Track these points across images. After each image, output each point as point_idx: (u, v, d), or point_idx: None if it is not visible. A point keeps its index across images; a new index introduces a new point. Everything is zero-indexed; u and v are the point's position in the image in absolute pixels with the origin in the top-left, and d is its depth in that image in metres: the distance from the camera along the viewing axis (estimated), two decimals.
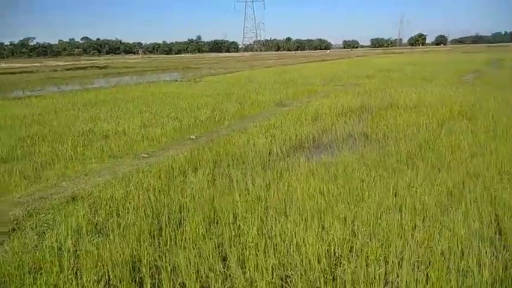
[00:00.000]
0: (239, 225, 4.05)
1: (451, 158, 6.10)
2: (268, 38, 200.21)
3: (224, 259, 3.55)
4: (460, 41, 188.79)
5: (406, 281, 3.03)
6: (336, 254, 3.51)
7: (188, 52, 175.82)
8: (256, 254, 3.44)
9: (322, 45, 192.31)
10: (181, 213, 4.46)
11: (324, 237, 3.70)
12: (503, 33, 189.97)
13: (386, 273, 3.21)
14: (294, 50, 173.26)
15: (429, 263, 3.28)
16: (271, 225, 4.01)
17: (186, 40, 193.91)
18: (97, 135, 9.03)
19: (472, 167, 5.54)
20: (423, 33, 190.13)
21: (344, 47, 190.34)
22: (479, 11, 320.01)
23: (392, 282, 3.15)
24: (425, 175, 5.33)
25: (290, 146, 7.57)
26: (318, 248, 3.51)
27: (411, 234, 3.72)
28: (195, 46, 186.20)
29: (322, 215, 4.22)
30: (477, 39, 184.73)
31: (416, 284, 2.98)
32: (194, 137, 8.63)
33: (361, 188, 4.95)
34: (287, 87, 17.84)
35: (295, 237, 3.73)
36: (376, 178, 5.32)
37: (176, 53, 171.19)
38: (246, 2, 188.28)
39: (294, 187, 5.03)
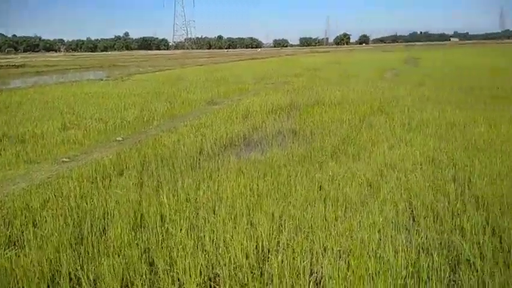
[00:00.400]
0: (167, 228, 3.96)
1: (371, 151, 6.48)
2: (200, 36, 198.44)
3: (151, 264, 3.46)
4: (381, 40, 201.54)
5: (329, 270, 3.17)
6: (264, 250, 3.58)
7: (115, 49, 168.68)
8: (185, 256, 3.39)
9: (253, 43, 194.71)
10: (105, 219, 4.26)
11: (252, 234, 3.75)
12: (418, 33, 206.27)
13: (311, 264, 3.33)
14: (226, 48, 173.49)
15: (350, 251, 3.45)
16: (201, 226, 3.98)
17: (113, 37, 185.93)
18: (11, 139, 8.31)
19: (389, 159, 5.95)
20: (348, 33, 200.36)
21: (275, 46, 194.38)
22: (398, 13, 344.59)
23: (316, 272, 3.27)
24: (347, 168, 5.62)
25: (221, 145, 7.56)
26: (247, 244, 3.54)
27: (334, 225, 3.89)
28: (123, 43, 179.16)
29: (251, 211, 4.28)
30: (396, 39, 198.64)
31: (338, 272, 3.12)
32: (120, 139, 8.29)
33: (288, 183, 5.08)
34: (219, 86, 17.81)
35: (224, 235, 3.73)
36: (303, 173, 5.50)
37: (102, 51, 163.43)
38: None
39: (224, 186, 5.03)
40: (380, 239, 3.62)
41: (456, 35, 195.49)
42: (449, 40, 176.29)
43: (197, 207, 4.49)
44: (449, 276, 3.14)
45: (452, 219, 4.03)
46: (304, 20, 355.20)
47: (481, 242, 3.54)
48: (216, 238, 3.72)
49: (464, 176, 5.11)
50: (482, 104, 10.50)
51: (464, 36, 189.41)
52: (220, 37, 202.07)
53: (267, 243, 3.63)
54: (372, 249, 3.46)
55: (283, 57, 62.20)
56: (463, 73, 20.37)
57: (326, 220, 4.02)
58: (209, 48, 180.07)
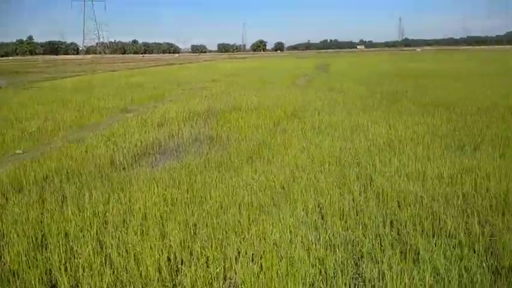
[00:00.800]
0: (72, 246, 3.70)
1: (284, 154, 6.71)
2: (113, 40, 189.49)
3: (53, 286, 3.21)
4: (295, 47, 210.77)
5: (242, 275, 3.20)
6: (177, 260, 3.50)
7: (17, 54, 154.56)
8: (91, 275, 3.20)
9: (171, 49, 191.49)
10: (0, 242, 3.86)
11: (165, 245, 3.65)
12: (329, 40, 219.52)
13: (224, 271, 3.33)
14: (142, 54, 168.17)
15: (263, 254, 3.52)
16: (109, 241, 3.78)
17: (14, 41, 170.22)
18: None
19: (301, 161, 6.20)
20: (264, 40, 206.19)
21: (193, 51, 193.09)
22: (309, 21, 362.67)
23: (230, 278, 3.29)
24: (261, 172, 5.74)
25: (135, 154, 7.28)
26: (158, 257, 3.44)
27: (248, 229, 3.95)
28: (26, 47, 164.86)
29: (164, 222, 4.17)
30: (309, 46, 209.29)
31: (251, 276, 3.17)
32: (20, 152, 7.58)
33: (204, 190, 5.05)
34: (133, 92, 17.19)
35: (134, 249, 3.58)
36: (218, 179, 5.52)
37: (2, 56, 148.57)
38: (84, 1, 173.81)
39: (136, 197, 4.84)
40: (291, 240, 3.75)
41: (362, 42, 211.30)
42: (356, 48, 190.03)
43: (106, 222, 4.27)
44: (354, 270, 3.35)
45: (357, 215, 4.32)
46: (222, 25, 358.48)
47: (381, 235, 3.84)
48: (126, 253, 3.56)
49: (366, 174, 5.51)
50: (383, 107, 11.44)
51: (369, 44, 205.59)
52: (135, 41, 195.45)
53: (180, 254, 3.56)
54: (284, 249, 3.57)
55: (201, 63, 62.04)
56: (367, 78, 22.03)
57: (240, 225, 4.06)
58: (123, 53, 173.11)
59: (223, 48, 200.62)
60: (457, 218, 4.12)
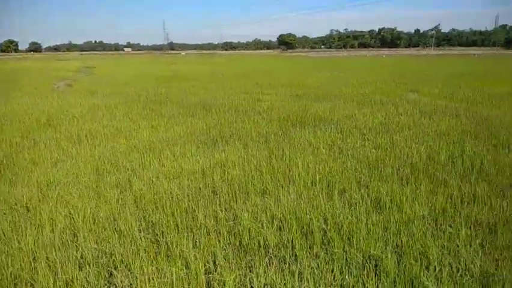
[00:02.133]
0: None
1: (32, 170, 5.92)
2: None
3: None
4: (56, 48, 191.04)
5: None
6: None
7: None
8: None
9: None
10: None
11: None
12: (93, 42, 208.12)
13: None
14: None
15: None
16: None
17: None
18: None
19: (52, 176, 5.59)
20: (15, 40, 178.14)
21: None
22: (71, 21, 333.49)
23: None
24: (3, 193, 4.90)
25: None
26: None
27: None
28: None
29: None
30: (71, 47, 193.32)
31: None
32: None
33: None
34: None
35: None
36: None
37: None
38: None
39: None
40: (35, 267, 3.31)
41: (129, 45, 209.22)
42: (124, 50, 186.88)
43: None
44: (107, 283, 3.22)
45: (113, 224, 4.17)
46: None
47: (136, 239, 3.82)
48: None
49: (125, 179, 5.42)
50: (148, 109, 11.55)
51: (136, 46, 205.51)
52: None
53: None
54: (24, 280, 3.12)
55: None
56: (133, 81, 21.90)
57: None
58: None
59: None
60: (207, 208, 4.50)
